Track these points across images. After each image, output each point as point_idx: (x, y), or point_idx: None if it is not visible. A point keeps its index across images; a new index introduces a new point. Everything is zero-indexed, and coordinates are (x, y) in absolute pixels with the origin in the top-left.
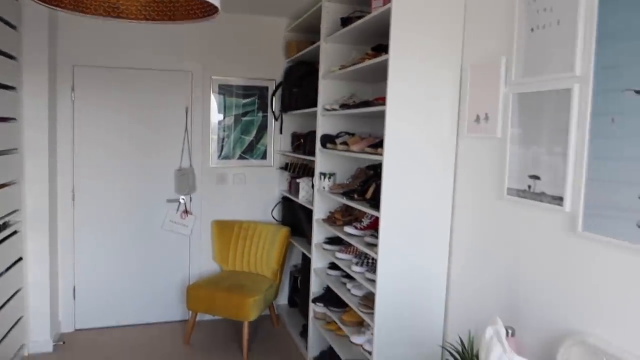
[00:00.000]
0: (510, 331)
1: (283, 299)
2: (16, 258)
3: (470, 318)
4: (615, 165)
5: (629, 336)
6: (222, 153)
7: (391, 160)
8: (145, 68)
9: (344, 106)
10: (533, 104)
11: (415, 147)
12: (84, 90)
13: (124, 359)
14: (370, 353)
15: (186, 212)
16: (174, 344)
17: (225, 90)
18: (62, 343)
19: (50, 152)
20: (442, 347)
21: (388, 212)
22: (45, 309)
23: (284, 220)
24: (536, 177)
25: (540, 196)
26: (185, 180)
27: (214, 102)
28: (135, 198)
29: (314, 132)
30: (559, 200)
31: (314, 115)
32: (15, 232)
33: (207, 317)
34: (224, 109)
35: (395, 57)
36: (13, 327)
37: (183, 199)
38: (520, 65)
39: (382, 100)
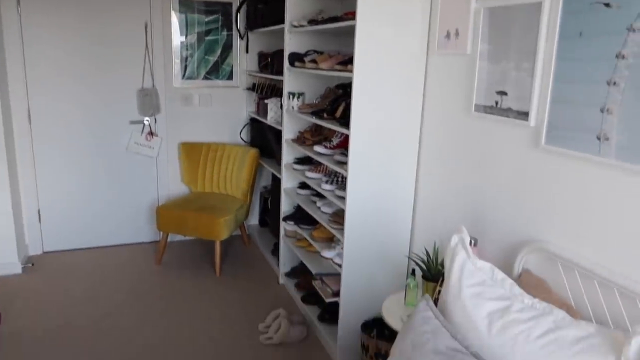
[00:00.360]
0: (473, 241)
1: (254, 220)
2: None
3: (435, 231)
4: (576, 81)
5: (583, 242)
6: (186, 73)
7: (361, 77)
8: None
9: (312, 22)
10: (503, 18)
11: (385, 64)
12: (31, 4)
13: (95, 280)
14: (340, 266)
15: (151, 133)
16: (146, 265)
17: (186, 6)
18: (31, 265)
19: None
20: (409, 258)
21: (358, 130)
22: (10, 232)
23: (253, 142)
24: (503, 93)
25: (506, 112)
26: (148, 101)
27: (174, 19)
28: (97, 119)
29: (281, 51)
30: (524, 115)
31: (281, 33)
32: None
33: (178, 237)
34: (186, 26)
35: None
36: None
37: (147, 120)
38: None
39: (351, 15)
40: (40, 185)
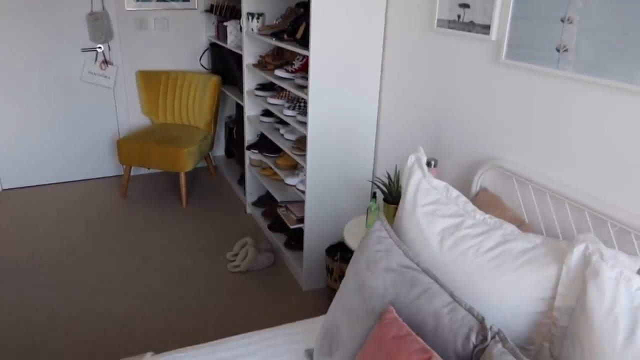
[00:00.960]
0: (433, 162)
1: (220, 150)
2: None
3: (399, 153)
4: None
5: (539, 158)
6: None
7: None
8: None
9: None
10: None
11: None
12: None
13: (59, 215)
14: (303, 192)
15: (106, 62)
16: (110, 199)
17: None
18: None
19: None
20: (372, 182)
21: (317, 50)
22: None
23: (214, 68)
24: (466, 6)
25: (468, 26)
26: (99, 26)
27: None
28: (46, 48)
29: None
30: (486, 29)
31: None
32: None
33: (143, 171)
34: None
35: None
36: None
37: (100, 47)
38: None
39: None
40: None
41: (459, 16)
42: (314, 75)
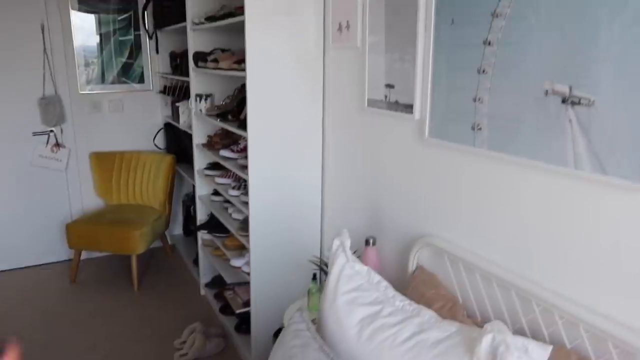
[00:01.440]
0: (372, 240)
1: (178, 229)
2: None
3: (351, 231)
4: (452, 70)
5: (466, 235)
6: (93, 78)
7: (255, 75)
8: None
9: (209, 19)
10: (385, 9)
11: (282, 60)
12: None
13: (5, 304)
14: (248, 274)
15: (57, 145)
16: (60, 285)
17: (87, 5)
18: None
19: None
20: (312, 262)
21: (255, 131)
22: None
23: (169, 148)
24: (391, 86)
25: (394, 105)
26: (51, 109)
27: (74, 19)
28: None
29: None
30: (410, 108)
31: None
32: None
33: (96, 254)
34: (89, 27)
35: None
36: None
37: (52, 130)
38: None
39: (242, 10)
40: None
41: (385, 96)
42: (253, 156)
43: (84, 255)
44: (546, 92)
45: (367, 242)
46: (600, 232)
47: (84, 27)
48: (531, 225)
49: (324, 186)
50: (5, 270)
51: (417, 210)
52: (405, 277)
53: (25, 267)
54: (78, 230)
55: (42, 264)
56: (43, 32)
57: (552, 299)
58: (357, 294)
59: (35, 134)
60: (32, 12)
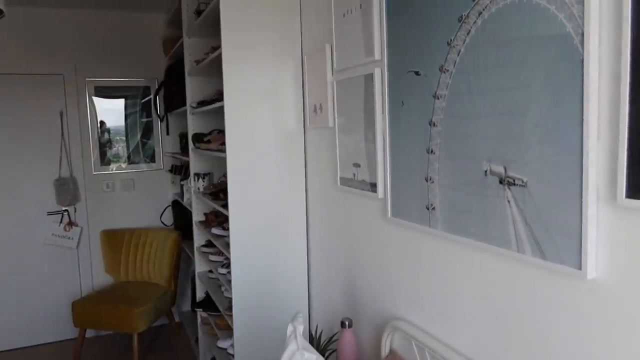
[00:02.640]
0: (347, 322)
1: (187, 305)
2: None
3: (332, 311)
4: (406, 150)
5: (429, 320)
6: (106, 158)
7: (235, 156)
8: (10, 73)
9: (201, 103)
10: (349, 90)
11: (262, 141)
12: None
13: None
14: (233, 356)
15: (70, 223)
16: None
17: (103, 92)
18: None
19: None
20: None
21: (236, 209)
22: None
23: (177, 225)
24: (358, 165)
25: (361, 184)
26: (66, 190)
27: (91, 105)
28: (12, 212)
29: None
30: (374, 187)
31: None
32: None
33: (102, 332)
34: (104, 112)
35: (228, 49)
36: None
37: (66, 210)
38: (338, 53)
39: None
40: None
41: (354, 175)
42: (234, 234)
43: (91, 333)
44: (485, 173)
45: (342, 324)
46: (549, 321)
47: (100, 112)
48: (486, 311)
49: (309, 266)
50: (13, 350)
51: (387, 291)
52: None
53: (36, 345)
54: (82, 308)
55: (52, 342)
56: (62, 118)
57: None
58: None
59: (49, 213)
60: (53, 100)
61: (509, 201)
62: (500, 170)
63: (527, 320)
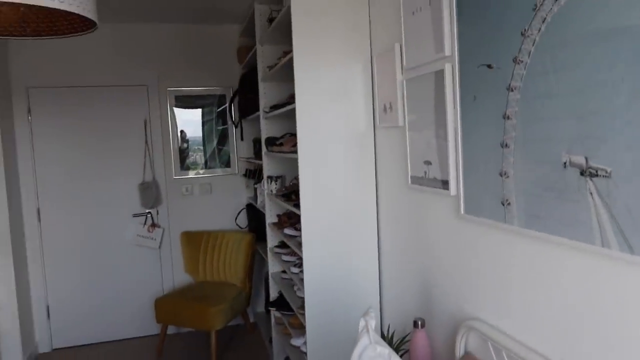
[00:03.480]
0: (420, 322)
1: (261, 306)
2: None
3: (404, 310)
4: (478, 145)
5: (506, 319)
6: (185, 164)
7: (306, 157)
8: (99, 85)
9: (274, 107)
10: (419, 88)
11: (333, 141)
12: (40, 111)
13: None
14: (306, 354)
15: (153, 225)
16: (147, 358)
17: (182, 100)
18: None
19: (7, 172)
20: None
21: (308, 209)
22: (15, 330)
23: (251, 227)
24: (429, 163)
25: (433, 182)
26: (149, 193)
27: (172, 113)
28: (102, 215)
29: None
30: (446, 184)
31: (271, 119)
32: None
33: (183, 329)
34: (184, 123)
35: (300, 53)
36: None
37: (149, 212)
38: (408, 51)
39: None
40: (49, 281)
41: (425, 173)
42: (306, 234)
43: (172, 329)
44: (564, 164)
45: (415, 324)
46: (638, 321)
47: (179, 120)
48: (566, 309)
49: (381, 265)
50: (101, 343)
51: (461, 290)
52: None
53: (121, 340)
54: (164, 306)
55: (136, 337)
56: (145, 127)
57: None
58: None
59: (135, 215)
60: (138, 111)
61: (591, 193)
62: (581, 160)
63: (612, 320)
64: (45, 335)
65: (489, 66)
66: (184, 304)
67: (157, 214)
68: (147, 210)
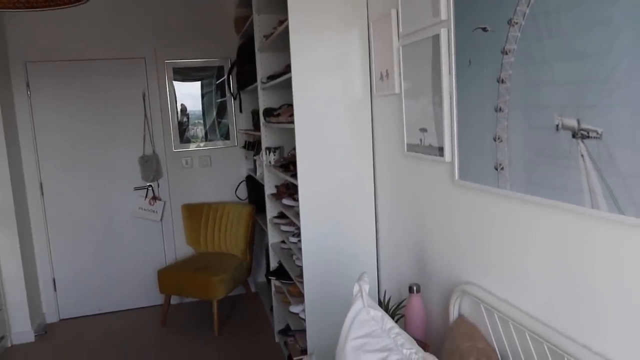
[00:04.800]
0: (415, 287)
1: (262, 276)
2: None
3: (400, 277)
4: (473, 110)
5: (498, 282)
6: (184, 137)
7: (303, 126)
8: (98, 58)
9: (270, 77)
10: (416, 54)
11: (329, 111)
12: (39, 86)
13: (103, 345)
14: (305, 321)
15: (154, 198)
16: (151, 327)
17: (181, 72)
18: (44, 333)
19: (9, 147)
20: None
21: (305, 179)
22: (23, 301)
23: (250, 199)
24: (424, 130)
25: (428, 149)
26: (149, 166)
27: (170, 85)
28: (103, 188)
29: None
30: (441, 151)
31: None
32: None
33: (185, 299)
34: (183, 96)
35: (295, 21)
36: None
37: (150, 185)
38: (404, 16)
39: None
40: (54, 254)
41: (420, 140)
42: (303, 204)
43: (175, 300)
44: (557, 127)
45: (410, 290)
46: (626, 281)
47: (178, 92)
48: (558, 272)
49: (378, 232)
50: (106, 313)
51: (455, 255)
52: (448, 327)
53: (126, 310)
54: (167, 277)
55: (140, 307)
56: (144, 100)
57: (587, 357)
58: (366, 340)
59: (136, 188)
60: (137, 84)
61: (582, 155)
62: (573, 123)
63: (602, 280)
64: (52, 306)
65: (484, 29)
66: (186, 274)
67: (158, 187)
68: (147, 184)
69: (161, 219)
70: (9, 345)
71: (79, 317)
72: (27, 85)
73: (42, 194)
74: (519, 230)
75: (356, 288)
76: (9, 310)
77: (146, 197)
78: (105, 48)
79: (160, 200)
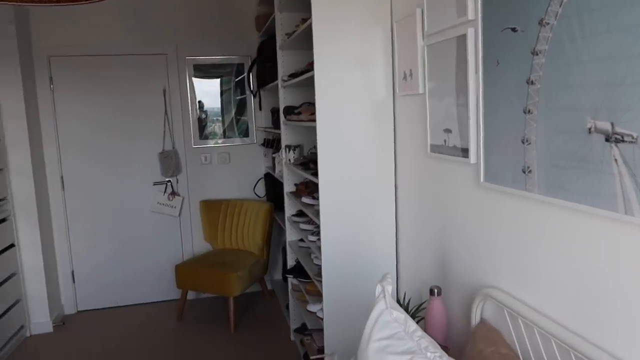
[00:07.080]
0: (436, 290)
1: (278, 274)
2: (7, 244)
3: (420, 278)
4: (500, 112)
5: (524, 288)
6: (204, 133)
7: (325, 124)
8: (119, 54)
9: (292, 75)
10: (441, 54)
11: (352, 109)
12: (62, 79)
13: (119, 337)
14: (322, 320)
15: (173, 193)
16: (167, 322)
17: (201, 69)
18: (62, 324)
19: (31, 141)
20: None
21: (326, 178)
22: (43, 293)
23: (269, 196)
24: (449, 131)
25: (452, 150)
26: (169, 162)
27: (190, 82)
28: (123, 183)
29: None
30: (466, 152)
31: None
32: (4, 220)
33: (205, 295)
34: (203, 93)
35: (318, 19)
36: (10, 309)
37: (169, 181)
38: (430, 15)
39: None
40: (73, 247)
41: (445, 141)
42: (324, 203)
43: (192, 295)
44: (589, 130)
45: (431, 292)
46: None
47: (198, 89)
48: (586, 277)
49: (398, 233)
50: (124, 306)
51: (479, 258)
52: (470, 331)
53: (143, 304)
54: (184, 272)
55: (157, 302)
56: (165, 96)
57: None
58: (389, 342)
59: (155, 183)
60: (158, 80)
61: (615, 160)
62: (607, 126)
63: (635, 289)
64: (70, 298)
65: (513, 29)
66: (203, 270)
67: (177, 182)
68: (167, 179)
69: (179, 215)
70: (28, 335)
71: (96, 309)
72: (50, 79)
73: (63, 187)
74: (546, 234)
75: (379, 289)
76: (29, 301)
77: (165, 192)
78: (127, 44)
79: (179, 195)
